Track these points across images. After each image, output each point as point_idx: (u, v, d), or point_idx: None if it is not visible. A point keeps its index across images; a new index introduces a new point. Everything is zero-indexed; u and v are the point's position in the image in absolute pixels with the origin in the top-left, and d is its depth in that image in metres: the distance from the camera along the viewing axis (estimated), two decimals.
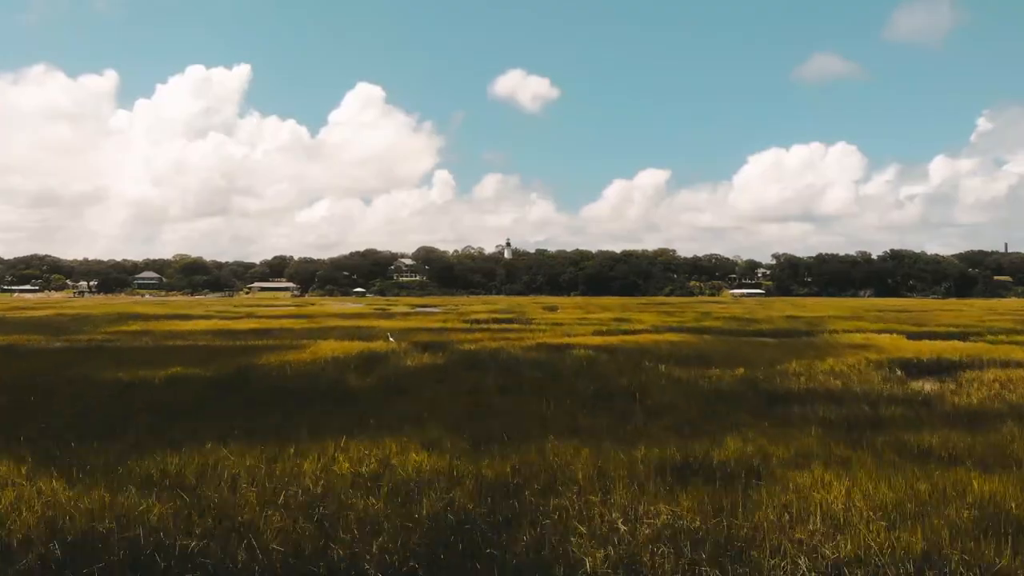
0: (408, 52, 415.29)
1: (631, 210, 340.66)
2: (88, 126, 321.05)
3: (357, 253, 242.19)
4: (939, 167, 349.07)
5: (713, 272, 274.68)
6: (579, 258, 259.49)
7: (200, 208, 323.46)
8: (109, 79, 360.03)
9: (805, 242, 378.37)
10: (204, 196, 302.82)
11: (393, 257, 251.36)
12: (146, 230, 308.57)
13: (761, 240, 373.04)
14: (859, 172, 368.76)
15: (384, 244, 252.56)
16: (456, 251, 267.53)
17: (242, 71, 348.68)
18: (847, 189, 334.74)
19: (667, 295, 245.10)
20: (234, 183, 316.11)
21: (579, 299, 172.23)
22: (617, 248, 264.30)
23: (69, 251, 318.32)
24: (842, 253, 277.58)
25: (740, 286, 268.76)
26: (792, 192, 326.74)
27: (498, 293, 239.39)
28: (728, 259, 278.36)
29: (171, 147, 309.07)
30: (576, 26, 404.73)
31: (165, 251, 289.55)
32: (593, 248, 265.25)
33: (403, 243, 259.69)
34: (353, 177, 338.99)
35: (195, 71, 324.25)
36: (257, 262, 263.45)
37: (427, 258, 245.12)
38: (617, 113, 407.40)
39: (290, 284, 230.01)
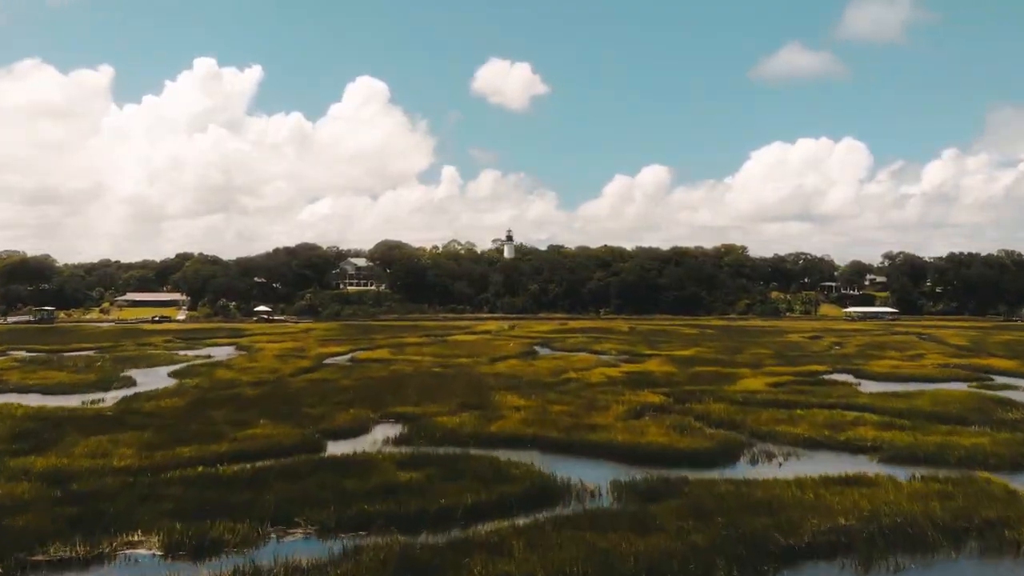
0: (404, 46, 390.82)
1: (631, 208, 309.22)
2: (82, 122, 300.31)
3: (284, 249, 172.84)
4: (936, 167, 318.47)
5: (800, 278, 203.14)
6: (610, 258, 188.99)
7: (203, 205, 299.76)
8: (104, 74, 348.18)
9: (808, 240, 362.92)
10: (206, 193, 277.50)
11: (340, 256, 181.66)
12: (147, 227, 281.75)
13: (761, 239, 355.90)
14: (864, 170, 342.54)
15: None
16: (435, 248, 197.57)
17: (254, 72, 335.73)
18: (849, 187, 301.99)
19: (743, 313, 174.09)
20: (237, 180, 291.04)
21: (659, 348, 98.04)
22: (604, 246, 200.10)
23: (73, 248, 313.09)
24: (984, 252, 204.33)
25: (844, 298, 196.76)
26: (790, 190, 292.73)
27: (492, 310, 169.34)
28: (821, 259, 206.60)
29: (174, 144, 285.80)
30: (569, 24, 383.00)
31: (167, 249, 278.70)
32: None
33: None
34: (350, 175, 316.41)
35: (204, 66, 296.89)
36: (158, 259, 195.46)
37: (387, 257, 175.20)
38: (612, 109, 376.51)
39: (178, 296, 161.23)
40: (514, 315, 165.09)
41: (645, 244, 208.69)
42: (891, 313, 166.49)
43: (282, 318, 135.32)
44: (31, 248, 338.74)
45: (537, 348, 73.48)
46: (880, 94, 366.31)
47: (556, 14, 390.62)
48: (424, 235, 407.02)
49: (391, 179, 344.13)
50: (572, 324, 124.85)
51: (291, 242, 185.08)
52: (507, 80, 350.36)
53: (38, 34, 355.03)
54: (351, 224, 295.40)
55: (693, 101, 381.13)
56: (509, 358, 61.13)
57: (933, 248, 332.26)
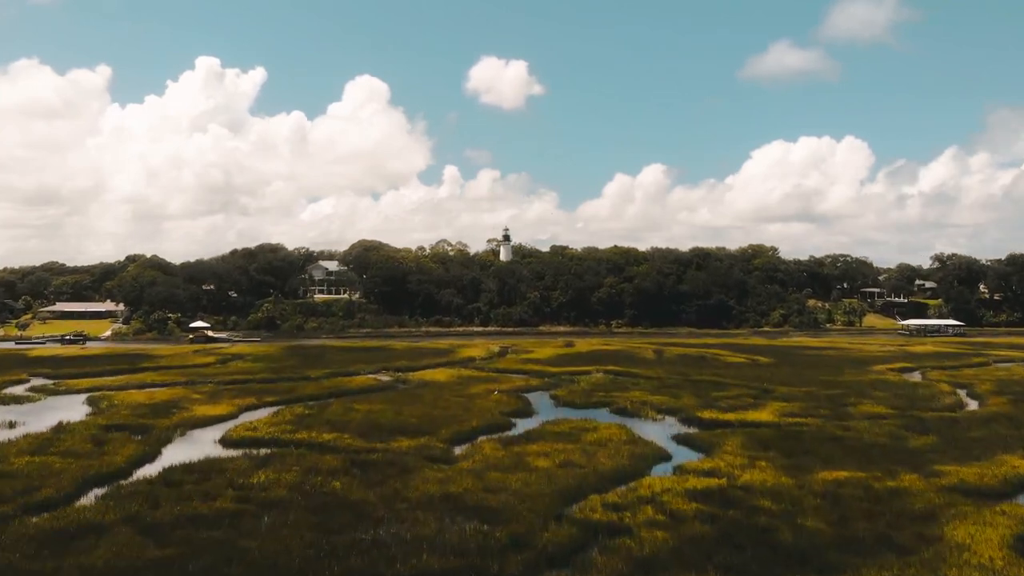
0: (400, 45, 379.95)
1: (631, 207, 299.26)
2: (79, 123, 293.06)
3: (242, 251, 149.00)
4: (936, 167, 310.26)
5: (840, 282, 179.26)
6: (622, 260, 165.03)
7: (203, 206, 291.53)
8: (101, 75, 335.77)
9: (810, 241, 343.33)
10: (205, 193, 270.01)
11: (308, 259, 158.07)
12: (149, 227, 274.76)
13: (762, 240, 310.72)
14: (865, 170, 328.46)
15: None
16: (421, 249, 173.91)
17: (257, 74, 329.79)
18: (850, 187, 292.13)
19: (778, 326, 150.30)
20: (237, 180, 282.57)
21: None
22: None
23: (78, 250, 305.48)
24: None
25: (890, 307, 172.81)
26: (791, 189, 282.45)
27: (484, 322, 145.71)
28: (862, 262, 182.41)
29: (175, 144, 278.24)
30: (562, 24, 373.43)
31: (172, 249, 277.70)
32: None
33: (403, 243, 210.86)
34: (350, 174, 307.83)
35: (207, 66, 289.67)
36: (114, 261, 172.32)
37: (363, 260, 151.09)
38: (609, 108, 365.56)
39: (114, 307, 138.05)
40: (510, 328, 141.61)
41: (646, 245, 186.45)
42: (955, 326, 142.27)
43: (223, 336, 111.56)
44: (34, 249, 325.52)
45: (533, 400, 49.72)
46: (876, 93, 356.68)
47: (549, 13, 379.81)
48: (424, 235, 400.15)
49: (390, 179, 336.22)
50: (580, 345, 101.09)
51: (292, 243, 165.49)
52: (502, 79, 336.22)
53: (35, 34, 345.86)
54: (352, 224, 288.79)
55: (690, 99, 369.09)
56: (484, 433, 37.49)
57: (936, 249, 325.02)
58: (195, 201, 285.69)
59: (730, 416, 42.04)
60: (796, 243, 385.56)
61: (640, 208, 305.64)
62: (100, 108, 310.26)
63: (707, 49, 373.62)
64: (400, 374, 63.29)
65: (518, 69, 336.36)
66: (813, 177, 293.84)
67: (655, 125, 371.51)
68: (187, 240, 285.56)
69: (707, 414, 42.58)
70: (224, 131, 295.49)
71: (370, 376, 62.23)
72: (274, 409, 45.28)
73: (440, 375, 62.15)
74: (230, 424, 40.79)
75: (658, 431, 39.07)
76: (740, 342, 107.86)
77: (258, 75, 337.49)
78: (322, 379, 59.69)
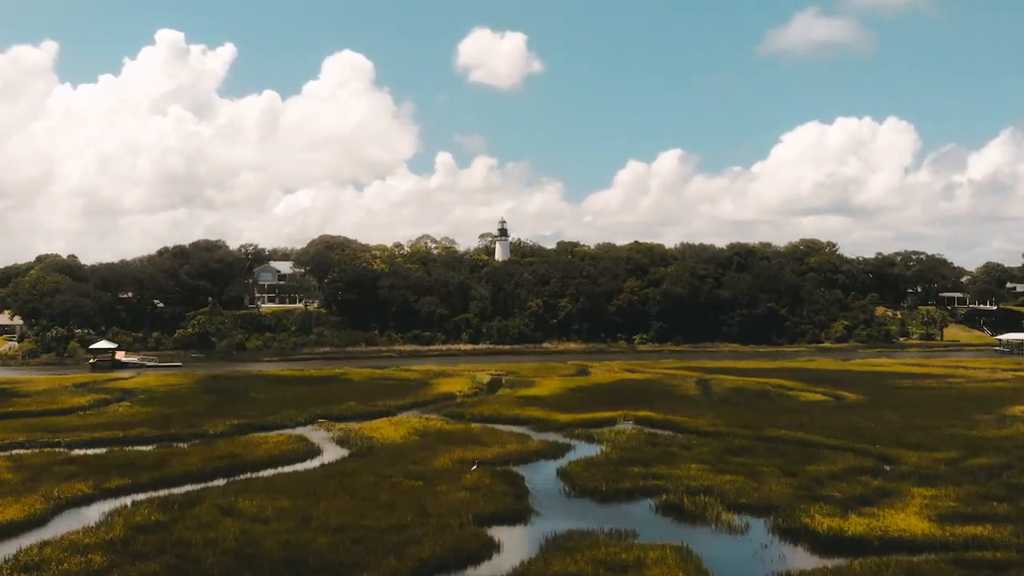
0: (384, 17, 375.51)
1: (646, 199, 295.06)
2: (21, 105, 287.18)
3: (173, 250, 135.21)
4: (986, 152, 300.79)
5: (912, 285, 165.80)
6: (646, 260, 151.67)
7: (163, 199, 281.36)
8: (47, 51, 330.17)
9: (848, 237, 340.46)
10: (165, 185, 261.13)
11: (255, 259, 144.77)
12: (104, 223, 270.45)
13: (798, 233, 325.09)
14: (910, 155, 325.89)
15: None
16: (398, 247, 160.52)
17: (226, 51, 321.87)
18: (893, 174, 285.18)
19: (840, 341, 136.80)
20: (201, 169, 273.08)
21: None
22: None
23: (28, 248, 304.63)
24: None
25: (975, 315, 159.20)
26: (824, 177, 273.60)
27: (474, 338, 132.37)
28: (942, 260, 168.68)
29: (131, 130, 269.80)
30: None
31: (128, 248, 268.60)
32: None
33: (391, 239, 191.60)
34: (330, 163, 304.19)
35: (169, 42, 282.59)
36: (24, 263, 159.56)
37: (322, 261, 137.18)
38: (617, 88, 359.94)
39: (11, 320, 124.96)
40: (506, 345, 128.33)
41: (662, 241, 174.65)
42: None
43: (135, 359, 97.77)
44: None
45: (532, 481, 36.05)
46: (918, 68, 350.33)
47: None
48: (413, 231, 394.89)
49: (373, 168, 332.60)
50: (597, 372, 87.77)
51: (264, 240, 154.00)
52: (495, 55, 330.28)
53: None
54: (334, 219, 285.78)
55: (707, 77, 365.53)
56: (441, 571, 24.01)
57: (991, 245, 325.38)
58: (154, 194, 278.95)
59: (859, 524, 28.33)
60: (830, 239, 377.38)
61: (655, 199, 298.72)
62: (46, 88, 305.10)
63: (729, 23, 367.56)
64: (340, 427, 49.77)
65: (515, 43, 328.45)
66: (851, 164, 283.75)
67: (671, 106, 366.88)
68: (146, 238, 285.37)
69: (820, 520, 28.82)
70: (188, 114, 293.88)
71: (295, 432, 48.59)
72: (114, 505, 31.85)
73: (397, 430, 48.42)
74: (25, 540, 27.30)
75: (746, 561, 25.50)
76: (806, 366, 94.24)
77: (227, 52, 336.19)
78: (221, 437, 46.13)
